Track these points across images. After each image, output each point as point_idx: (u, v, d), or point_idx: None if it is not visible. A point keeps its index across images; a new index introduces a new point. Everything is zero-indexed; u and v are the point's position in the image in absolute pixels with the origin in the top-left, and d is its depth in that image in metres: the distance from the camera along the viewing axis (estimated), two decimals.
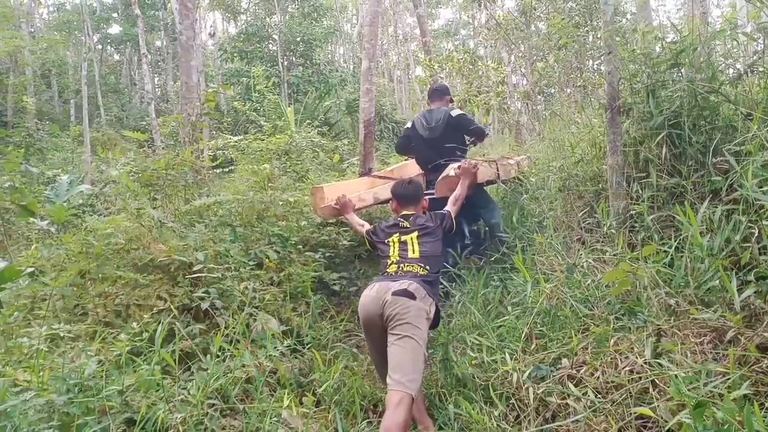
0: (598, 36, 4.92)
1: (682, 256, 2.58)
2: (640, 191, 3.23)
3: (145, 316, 3.27)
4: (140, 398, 2.59)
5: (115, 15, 32.23)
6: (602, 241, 3.29)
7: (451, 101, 5.50)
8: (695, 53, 3.21)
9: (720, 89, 3.12)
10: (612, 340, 2.36)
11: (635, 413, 1.93)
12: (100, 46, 30.65)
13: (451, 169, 4.28)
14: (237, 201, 4.67)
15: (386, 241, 3.35)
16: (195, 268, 3.53)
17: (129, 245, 3.81)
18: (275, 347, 3.22)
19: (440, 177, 4.41)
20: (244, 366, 2.98)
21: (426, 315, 2.85)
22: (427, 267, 3.11)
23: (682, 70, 3.30)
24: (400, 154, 5.90)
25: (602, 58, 3.48)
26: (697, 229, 2.30)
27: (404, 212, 3.49)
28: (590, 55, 7.63)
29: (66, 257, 3.95)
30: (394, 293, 2.85)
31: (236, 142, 9.41)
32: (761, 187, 2.19)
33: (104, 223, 3.82)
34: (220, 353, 3.06)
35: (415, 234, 3.27)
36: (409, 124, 5.43)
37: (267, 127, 10.14)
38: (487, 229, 4.61)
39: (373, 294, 2.94)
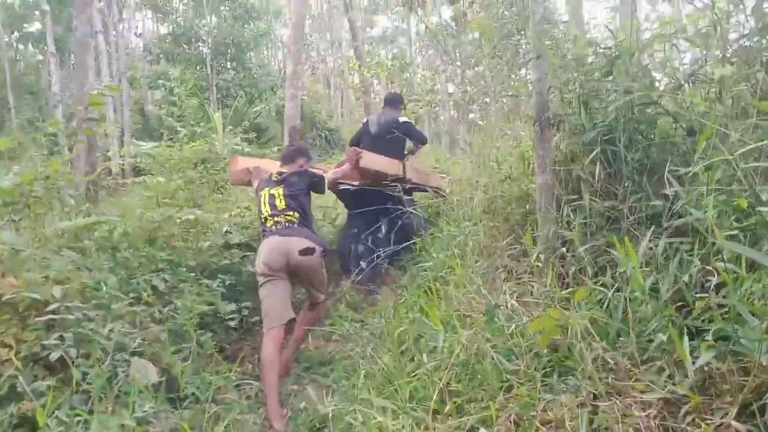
0: (529, 43, 4.59)
1: (619, 295, 2.19)
2: (572, 215, 2.84)
3: None
4: None
5: (37, 13, 30.19)
6: (529, 272, 2.89)
7: (405, 108, 6.43)
8: (632, 60, 2.86)
9: (659, 101, 2.78)
10: (540, 405, 1.92)
11: None
12: (21, 46, 28.63)
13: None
14: (123, 220, 4.05)
15: (259, 194, 3.84)
16: (50, 308, 2.90)
17: None
18: (143, 405, 2.65)
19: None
20: None
21: (322, 259, 3.75)
22: (297, 214, 3.68)
23: (617, 79, 2.94)
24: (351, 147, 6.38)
25: (530, 63, 3.09)
26: (639, 271, 1.90)
27: (280, 170, 3.94)
28: (521, 63, 7.35)
29: None
30: (301, 252, 3.54)
31: (149, 149, 8.64)
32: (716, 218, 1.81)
33: None
34: (67, 418, 2.46)
35: (281, 187, 3.75)
36: (364, 120, 6.13)
37: (184, 133, 9.42)
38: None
39: (273, 249, 3.56)
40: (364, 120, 6.16)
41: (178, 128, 9.20)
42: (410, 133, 5.74)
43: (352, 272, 4.94)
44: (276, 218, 3.67)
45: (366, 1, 34.31)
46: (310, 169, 4.06)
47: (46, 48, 30.50)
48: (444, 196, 5.06)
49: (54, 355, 2.71)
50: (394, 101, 5.96)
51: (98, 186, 5.55)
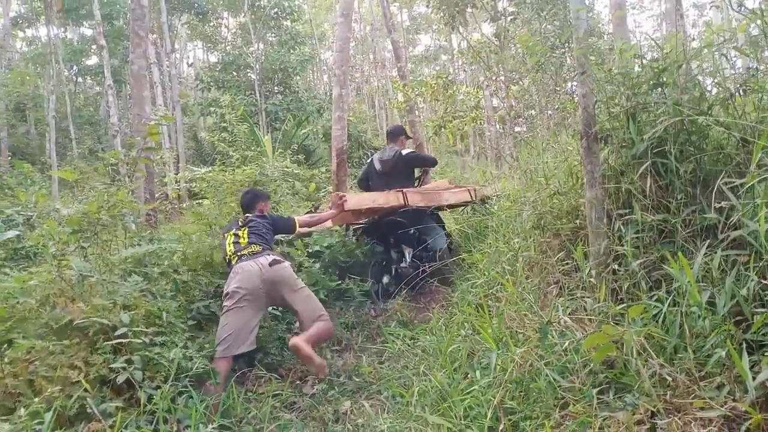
0: (573, 56, 4.57)
1: (675, 310, 2.16)
2: (623, 229, 2.81)
3: (52, 388, 2.79)
4: None
5: (94, 47, 31.69)
6: (581, 287, 2.87)
7: (408, 138, 6.33)
8: (680, 71, 2.83)
9: (710, 111, 2.74)
10: (597, 423, 1.91)
11: None
12: (80, 79, 30.08)
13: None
14: (182, 246, 4.21)
15: (224, 235, 4.04)
16: (118, 332, 3.04)
17: (46, 304, 3.32)
18: (206, 425, 2.74)
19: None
20: None
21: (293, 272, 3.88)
22: (260, 246, 3.83)
23: (665, 91, 2.91)
24: (361, 188, 6.38)
25: (575, 79, 3.09)
26: (694, 287, 1.88)
27: (245, 215, 4.16)
28: (566, 77, 7.30)
29: None
30: (271, 263, 3.67)
31: (203, 174, 8.94)
32: None
33: (17, 280, 3.33)
34: None
35: (246, 229, 3.96)
36: (369, 160, 6.28)
37: (235, 157, 9.68)
38: (430, 254, 5.12)
39: (246, 271, 3.61)
40: (369, 159, 6.30)
41: (230, 153, 9.47)
42: (417, 161, 6.03)
43: (382, 302, 5.15)
44: (240, 253, 3.77)
45: (408, 21, 34.69)
46: (275, 214, 4.36)
47: (103, 80, 32.01)
48: (475, 203, 5.42)
49: (121, 378, 2.84)
50: (393, 134, 6.09)
51: (157, 211, 5.80)
